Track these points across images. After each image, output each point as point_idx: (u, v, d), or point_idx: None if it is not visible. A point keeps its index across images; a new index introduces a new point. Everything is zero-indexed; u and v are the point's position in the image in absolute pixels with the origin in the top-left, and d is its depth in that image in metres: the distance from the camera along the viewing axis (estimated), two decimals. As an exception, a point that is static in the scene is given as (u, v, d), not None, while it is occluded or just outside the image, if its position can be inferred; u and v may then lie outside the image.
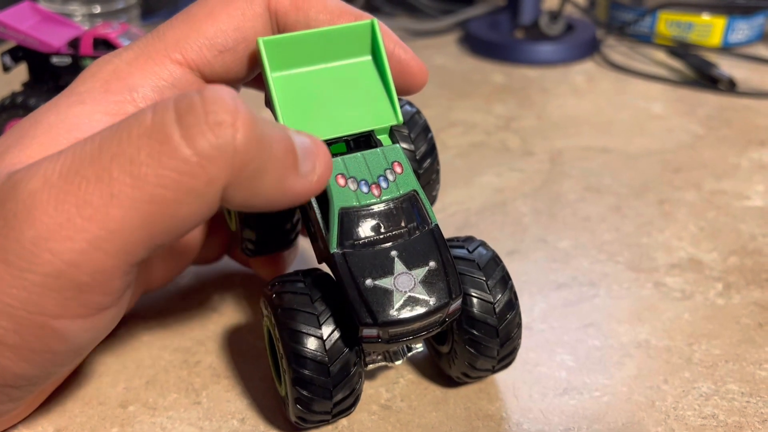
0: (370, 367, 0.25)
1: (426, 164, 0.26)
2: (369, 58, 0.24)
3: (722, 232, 0.37)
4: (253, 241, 0.27)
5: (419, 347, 0.25)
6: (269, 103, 0.24)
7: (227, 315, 0.31)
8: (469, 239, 0.26)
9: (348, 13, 0.24)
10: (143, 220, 0.18)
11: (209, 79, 0.24)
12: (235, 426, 0.25)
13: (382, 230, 0.22)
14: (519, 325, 0.25)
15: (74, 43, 0.40)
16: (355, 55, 0.24)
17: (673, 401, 0.26)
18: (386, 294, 0.21)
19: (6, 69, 0.40)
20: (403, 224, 0.23)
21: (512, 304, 0.24)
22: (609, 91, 0.57)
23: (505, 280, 0.25)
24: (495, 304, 0.24)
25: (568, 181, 0.42)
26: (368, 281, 0.22)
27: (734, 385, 0.27)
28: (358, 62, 0.24)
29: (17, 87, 0.43)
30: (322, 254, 0.23)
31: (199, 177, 0.18)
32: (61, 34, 0.41)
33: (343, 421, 0.25)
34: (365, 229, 0.22)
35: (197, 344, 0.29)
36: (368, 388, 0.27)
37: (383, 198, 0.23)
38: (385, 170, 0.23)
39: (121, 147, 0.18)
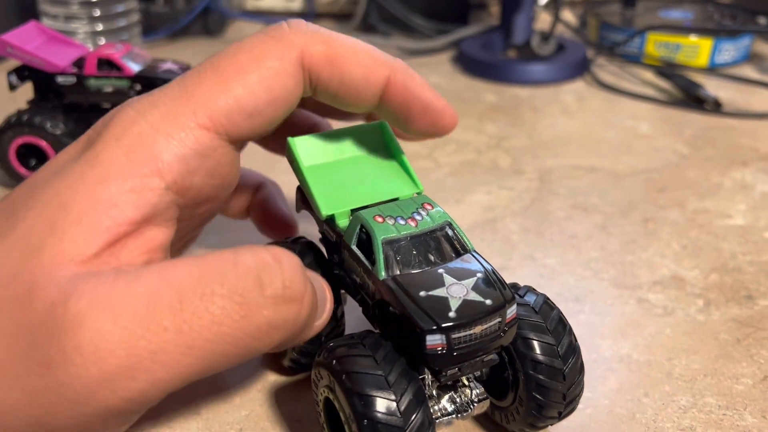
0: (441, 420, 0.24)
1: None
2: (383, 148, 0.28)
3: (704, 251, 0.38)
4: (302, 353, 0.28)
5: (485, 399, 0.25)
6: (303, 187, 0.27)
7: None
8: (514, 285, 0.26)
9: (381, 64, 0.24)
10: (206, 367, 0.20)
11: (234, 139, 0.23)
12: (233, 436, 0.26)
13: (425, 255, 0.23)
14: (582, 368, 0.24)
15: (79, 63, 0.42)
16: (371, 146, 0.27)
17: (653, 414, 0.27)
18: (442, 300, 0.22)
19: (12, 88, 0.41)
20: (443, 249, 0.24)
21: (574, 346, 0.24)
22: (598, 111, 0.58)
23: (564, 323, 0.24)
24: (558, 346, 0.24)
25: (557, 200, 0.44)
26: (422, 292, 0.22)
27: (712, 399, 0.28)
28: (375, 152, 0.27)
29: (23, 105, 0.44)
30: (372, 298, 0.24)
31: (264, 342, 0.20)
32: (66, 54, 0.42)
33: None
34: (409, 255, 0.23)
35: (197, 357, 0.30)
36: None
37: (420, 228, 0.24)
38: (417, 209, 0.25)
39: (203, 303, 0.19)
